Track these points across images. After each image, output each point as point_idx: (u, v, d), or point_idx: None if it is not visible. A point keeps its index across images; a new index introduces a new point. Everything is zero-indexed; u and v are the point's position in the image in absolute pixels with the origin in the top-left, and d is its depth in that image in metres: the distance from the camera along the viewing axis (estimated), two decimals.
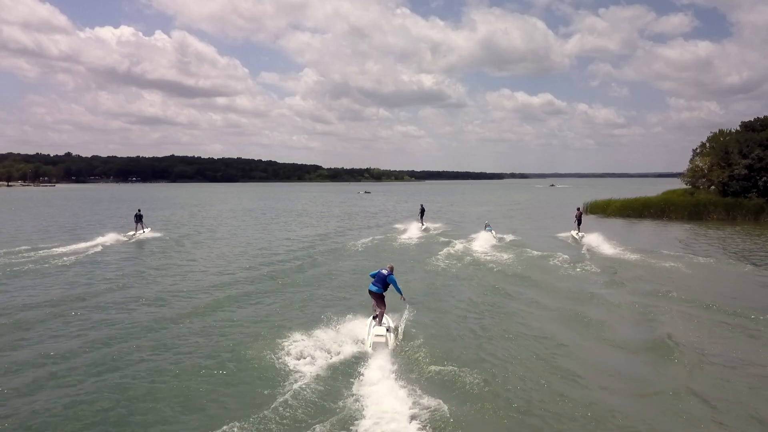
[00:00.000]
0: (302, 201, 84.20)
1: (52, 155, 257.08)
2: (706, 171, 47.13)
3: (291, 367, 9.74)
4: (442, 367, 9.76)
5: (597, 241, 26.79)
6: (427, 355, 10.47)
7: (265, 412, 7.95)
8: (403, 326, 12.10)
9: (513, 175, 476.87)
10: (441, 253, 24.23)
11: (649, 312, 14.02)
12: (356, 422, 7.68)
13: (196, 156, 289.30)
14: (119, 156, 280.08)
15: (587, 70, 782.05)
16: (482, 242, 27.18)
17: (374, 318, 11.76)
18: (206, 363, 10.12)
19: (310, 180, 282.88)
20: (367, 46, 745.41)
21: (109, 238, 28.65)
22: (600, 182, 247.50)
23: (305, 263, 21.96)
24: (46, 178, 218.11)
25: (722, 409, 8.44)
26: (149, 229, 33.07)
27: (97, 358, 10.33)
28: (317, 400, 8.45)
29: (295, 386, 8.82)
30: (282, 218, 48.42)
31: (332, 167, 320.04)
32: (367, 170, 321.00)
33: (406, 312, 12.74)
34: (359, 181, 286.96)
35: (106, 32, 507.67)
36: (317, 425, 7.59)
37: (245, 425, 7.57)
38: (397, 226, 37.76)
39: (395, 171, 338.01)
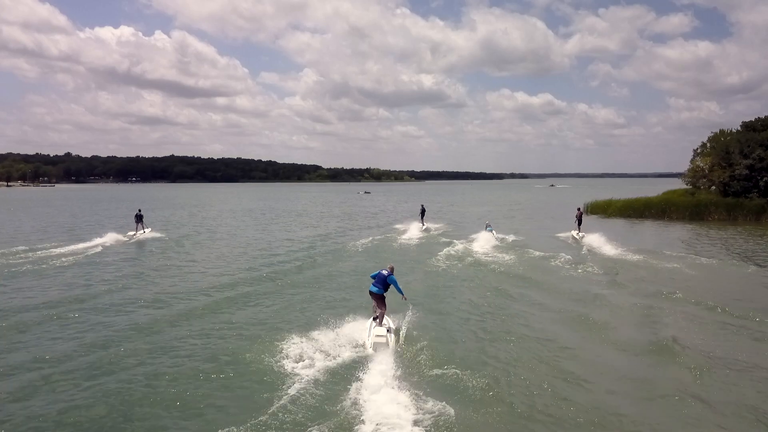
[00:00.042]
0: (302, 201, 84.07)
1: (51, 155, 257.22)
2: (706, 171, 46.99)
3: (290, 371, 9.60)
4: (445, 371, 9.62)
5: (599, 241, 26.67)
6: (430, 358, 10.33)
7: (265, 416, 7.81)
8: (405, 329, 11.97)
9: (513, 175, 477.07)
10: (442, 253, 24.09)
11: (652, 313, 13.89)
12: (357, 427, 7.54)
13: (195, 156, 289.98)
14: (119, 156, 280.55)
15: (587, 70, 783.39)
16: (483, 242, 27.05)
17: (374, 319, 11.70)
18: (204, 367, 9.98)
19: (310, 180, 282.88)
20: (367, 46, 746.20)
21: (110, 238, 28.50)
22: (600, 182, 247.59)
23: (305, 264, 21.83)
24: (45, 179, 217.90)
25: (729, 413, 8.32)
26: (149, 229, 32.94)
27: (93, 362, 10.19)
28: (317, 404, 8.31)
29: (295, 390, 8.67)
30: (282, 218, 48.29)
31: (332, 167, 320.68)
32: (367, 170, 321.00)
33: (409, 313, 12.63)
34: (359, 181, 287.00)
35: (106, 32, 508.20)
36: (317, 431, 7.45)
37: (244, 431, 7.43)
38: (398, 226, 37.63)
39: (395, 171, 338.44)
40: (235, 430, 7.42)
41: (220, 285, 17.48)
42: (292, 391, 8.62)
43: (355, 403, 8.24)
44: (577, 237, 30.03)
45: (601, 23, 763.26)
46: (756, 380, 9.62)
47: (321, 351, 10.55)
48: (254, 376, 9.52)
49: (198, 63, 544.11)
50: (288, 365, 9.85)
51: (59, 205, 71.47)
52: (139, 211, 32.88)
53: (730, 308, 14.21)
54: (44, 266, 20.48)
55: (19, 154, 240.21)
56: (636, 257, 22.78)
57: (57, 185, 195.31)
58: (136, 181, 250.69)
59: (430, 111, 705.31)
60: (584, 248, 26.15)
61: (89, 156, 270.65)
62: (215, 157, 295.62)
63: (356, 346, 11.01)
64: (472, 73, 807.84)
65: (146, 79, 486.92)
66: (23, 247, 24.95)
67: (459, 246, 26.44)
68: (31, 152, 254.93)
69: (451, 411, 7.89)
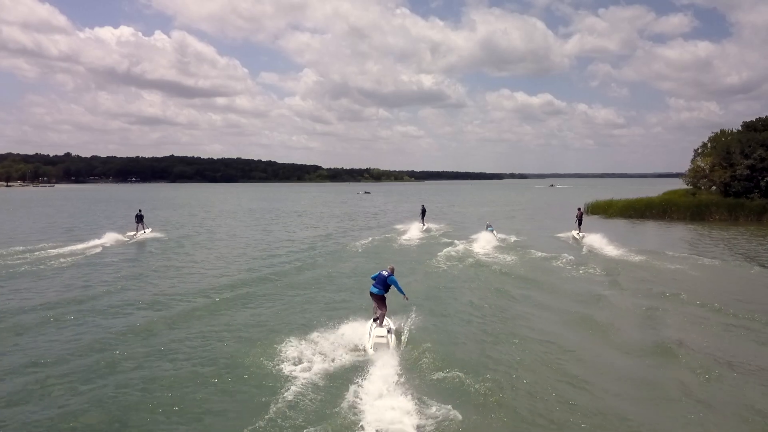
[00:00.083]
0: (302, 201, 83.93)
1: (51, 155, 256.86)
2: (707, 171, 46.87)
3: (290, 374, 9.44)
4: (447, 374, 9.48)
5: (601, 242, 26.52)
6: (432, 361, 10.17)
7: (264, 422, 7.67)
8: (407, 331, 11.82)
9: (512, 176, 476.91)
10: (443, 254, 23.95)
11: (656, 315, 13.75)
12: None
13: (195, 156, 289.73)
14: (119, 156, 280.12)
15: (587, 71, 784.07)
16: (484, 243, 26.92)
17: (375, 320, 11.60)
18: (203, 370, 9.83)
19: (310, 180, 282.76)
20: (366, 47, 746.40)
21: (110, 238, 28.34)
22: (599, 182, 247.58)
23: (305, 265, 21.69)
24: (45, 179, 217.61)
25: (734, 417, 8.20)
26: (150, 229, 32.80)
27: (90, 365, 10.03)
28: (317, 409, 8.17)
29: (294, 395, 8.52)
30: (282, 219, 48.15)
31: (332, 167, 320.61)
32: (367, 170, 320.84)
33: (411, 316, 12.49)
34: (359, 181, 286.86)
35: (106, 32, 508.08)
36: None
37: None
38: (398, 226, 37.49)
39: (395, 171, 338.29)
40: None
41: (219, 286, 17.32)
42: (291, 396, 8.47)
43: (356, 408, 8.09)
44: (577, 237, 29.93)
45: (601, 23, 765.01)
46: (762, 383, 9.49)
47: (321, 354, 10.41)
48: (253, 380, 9.37)
49: (198, 63, 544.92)
50: (287, 369, 9.69)
51: (59, 205, 71.30)
52: (140, 211, 32.73)
53: (734, 310, 14.07)
54: (42, 267, 20.32)
55: (18, 154, 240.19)
56: (638, 258, 22.64)
57: (56, 185, 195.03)
58: (135, 182, 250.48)
59: (430, 111, 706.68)
60: (586, 249, 26.01)
61: (89, 156, 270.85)
62: (215, 157, 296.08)
63: (357, 349, 10.88)
64: (471, 73, 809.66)
65: (146, 79, 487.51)
66: (21, 248, 24.79)
67: (460, 246, 26.30)
68: (31, 152, 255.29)
69: (455, 415, 7.76)
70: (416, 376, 9.48)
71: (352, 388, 8.78)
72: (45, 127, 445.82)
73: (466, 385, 9.03)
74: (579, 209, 32.75)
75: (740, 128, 48.17)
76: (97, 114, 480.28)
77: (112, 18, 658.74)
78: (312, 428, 7.51)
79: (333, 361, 10.17)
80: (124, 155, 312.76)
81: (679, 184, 56.29)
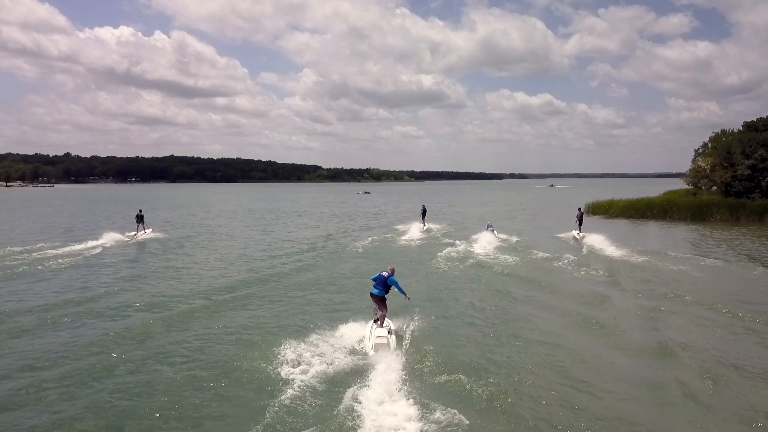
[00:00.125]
0: (302, 202, 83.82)
1: (51, 155, 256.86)
2: (708, 171, 46.77)
3: (289, 378, 9.29)
4: (450, 378, 9.36)
5: (602, 242, 26.42)
6: (434, 364, 10.04)
7: (262, 427, 7.54)
8: (408, 333, 11.70)
9: (512, 176, 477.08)
10: (443, 254, 23.81)
11: (660, 317, 13.63)
12: None
13: (195, 156, 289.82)
14: (118, 156, 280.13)
15: (587, 71, 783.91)
16: (485, 243, 26.82)
17: (375, 321, 11.52)
18: (201, 374, 9.69)
19: (310, 180, 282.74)
20: (366, 47, 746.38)
21: (110, 238, 28.22)
22: (599, 182, 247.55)
23: (305, 266, 21.56)
24: (45, 179, 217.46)
25: (738, 420, 8.10)
26: (150, 229, 32.71)
27: (87, 369, 9.88)
28: (317, 412, 8.04)
29: (294, 399, 8.39)
30: (282, 219, 48.04)
31: (332, 167, 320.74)
32: (367, 170, 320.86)
33: (415, 318, 12.38)
34: (359, 181, 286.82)
35: (106, 32, 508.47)
36: None
37: None
38: (398, 227, 37.37)
39: (395, 171, 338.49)
40: None
41: (218, 287, 17.19)
42: (290, 400, 8.33)
43: (357, 412, 7.94)
44: (578, 237, 29.83)
45: (601, 23, 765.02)
46: (766, 386, 9.36)
47: (320, 356, 10.28)
48: (252, 384, 9.23)
49: (197, 63, 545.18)
50: (286, 372, 9.55)
51: (58, 205, 71.18)
52: (140, 211, 32.60)
53: (738, 311, 13.94)
54: (41, 268, 20.18)
55: (18, 155, 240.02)
56: (641, 258, 22.51)
57: (56, 185, 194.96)
58: (135, 182, 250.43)
59: (430, 111, 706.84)
60: (587, 249, 25.88)
61: (88, 156, 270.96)
62: (215, 158, 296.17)
63: (357, 350, 10.76)
64: (471, 73, 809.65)
65: (146, 79, 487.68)
66: (20, 248, 24.67)
67: (461, 247, 26.17)
68: (31, 152, 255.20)
69: (461, 420, 7.64)
70: (418, 380, 9.34)
71: (352, 391, 8.63)
72: (45, 127, 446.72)
73: (469, 389, 8.90)
74: (579, 209, 32.64)
75: (741, 128, 48.07)
76: (97, 114, 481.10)
77: (112, 18, 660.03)
78: None
79: (333, 363, 10.03)
80: (124, 155, 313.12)
81: (680, 184, 56.18)
